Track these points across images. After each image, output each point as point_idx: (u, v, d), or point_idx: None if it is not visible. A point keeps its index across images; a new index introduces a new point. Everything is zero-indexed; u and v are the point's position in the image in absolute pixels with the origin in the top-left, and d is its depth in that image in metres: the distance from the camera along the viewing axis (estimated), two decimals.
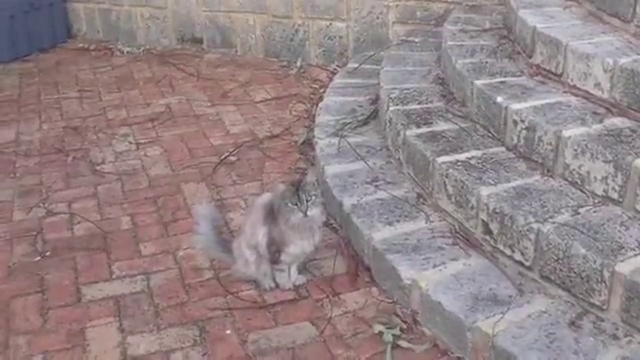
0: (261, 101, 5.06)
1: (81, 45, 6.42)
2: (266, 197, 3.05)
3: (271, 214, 2.92)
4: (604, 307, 2.49)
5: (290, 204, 2.83)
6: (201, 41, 6.17)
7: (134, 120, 4.77)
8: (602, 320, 2.50)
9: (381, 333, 2.72)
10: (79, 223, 3.54)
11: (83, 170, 4.10)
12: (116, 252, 3.30)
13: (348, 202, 3.32)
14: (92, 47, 6.35)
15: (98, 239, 3.41)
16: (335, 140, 3.92)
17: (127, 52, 6.20)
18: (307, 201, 2.83)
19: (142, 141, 4.45)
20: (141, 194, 3.81)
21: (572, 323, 2.50)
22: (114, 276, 3.13)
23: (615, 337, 2.43)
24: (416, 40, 4.97)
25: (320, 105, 4.50)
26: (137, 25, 6.35)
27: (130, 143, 4.42)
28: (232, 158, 4.18)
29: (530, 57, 3.72)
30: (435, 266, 2.84)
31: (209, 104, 5.02)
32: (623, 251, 2.50)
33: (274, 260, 2.96)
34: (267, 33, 5.91)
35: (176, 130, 4.60)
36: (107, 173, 4.04)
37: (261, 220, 2.94)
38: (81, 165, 4.16)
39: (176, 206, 3.68)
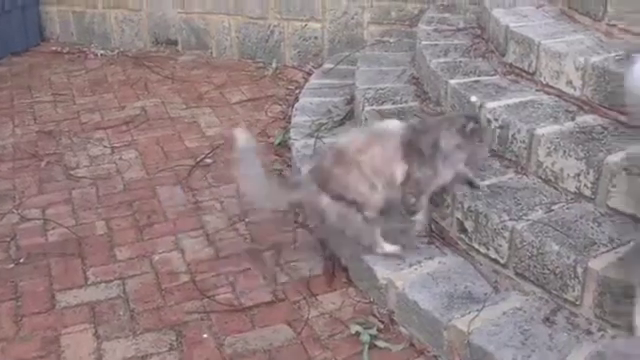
0: (237, 103, 5.05)
1: (54, 48, 6.36)
2: (394, 128, 2.86)
3: (414, 150, 2.76)
4: (578, 303, 2.51)
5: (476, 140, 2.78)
6: (176, 43, 6.14)
7: (109, 124, 4.73)
8: (576, 316, 2.52)
9: (358, 333, 2.72)
10: (53, 229, 3.51)
11: (57, 175, 4.06)
12: (91, 257, 3.28)
13: (324, 202, 3.31)
14: (66, 50, 6.29)
15: (73, 245, 3.38)
16: (311, 141, 3.92)
17: (101, 55, 6.15)
18: None
19: (117, 145, 4.42)
20: (116, 198, 3.79)
21: (546, 319, 2.52)
22: (89, 282, 3.10)
23: (589, 332, 2.45)
24: (391, 40, 4.99)
25: (296, 106, 4.50)
26: (111, 28, 6.30)
27: (105, 147, 4.39)
28: (208, 160, 4.17)
29: (503, 56, 3.74)
30: (411, 265, 2.84)
31: (184, 106, 5.00)
32: (596, 247, 2.53)
33: (411, 205, 2.84)
34: (242, 34, 5.89)
35: (151, 133, 4.58)
36: (81, 177, 4.01)
37: (399, 156, 2.76)
38: (55, 170, 4.12)
39: (151, 210, 3.66)
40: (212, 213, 3.62)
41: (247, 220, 3.52)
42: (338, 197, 2.81)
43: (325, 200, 2.84)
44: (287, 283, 3.05)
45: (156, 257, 3.28)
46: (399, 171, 2.77)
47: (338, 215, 2.84)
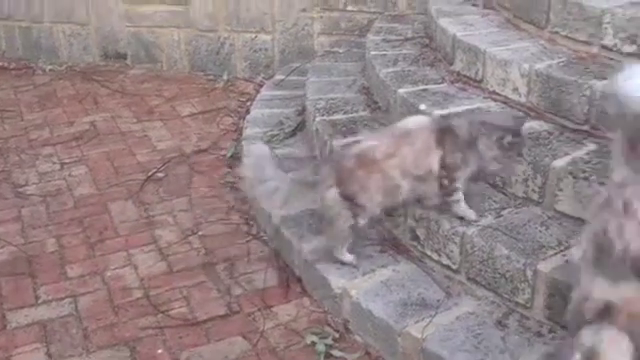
0: (188, 116, 5.02)
1: (0, 64, 6.25)
2: (419, 124, 2.86)
3: (445, 137, 2.76)
4: (528, 305, 2.56)
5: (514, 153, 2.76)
6: (125, 57, 6.08)
7: (58, 139, 4.67)
8: (527, 318, 2.57)
9: (314, 343, 2.73)
10: (2, 247, 3.44)
11: (5, 192, 3.99)
12: (42, 276, 3.22)
13: (277, 214, 3.32)
14: (12, 66, 6.18)
15: (23, 263, 3.32)
16: None
17: (49, 70, 6.06)
18: None
19: (67, 161, 4.36)
20: (66, 215, 3.73)
21: (499, 323, 2.56)
22: (40, 300, 3.06)
23: (539, 334, 2.49)
24: (341, 51, 5.02)
25: (247, 118, 4.50)
26: (59, 42, 6.22)
27: (54, 163, 4.33)
28: (159, 174, 4.14)
29: (451, 64, 3.80)
30: (365, 274, 2.86)
31: (135, 120, 4.96)
32: (544, 250, 2.58)
33: (447, 189, 2.79)
34: (192, 47, 5.87)
35: (101, 148, 4.53)
36: (31, 195, 3.94)
37: (433, 145, 2.75)
38: (3, 187, 4.05)
39: (103, 226, 3.62)
40: (165, 227, 3.60)
41: (200, 233, 3.51)
42: (348, 197, 2.79)
43: (332, 193, 2.80)
44: (241, 295, 3.05)
45: (108, 273, 3.24)
46: (435, 159, 2.76)
47: (335, 213, 2.83)
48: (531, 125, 3.09)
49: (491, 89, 3.44)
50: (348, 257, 2.92)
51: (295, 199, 2.91)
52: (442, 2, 4.49)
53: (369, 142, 2.83)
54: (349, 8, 5.41)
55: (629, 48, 3.20)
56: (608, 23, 3.27)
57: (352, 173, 2.78)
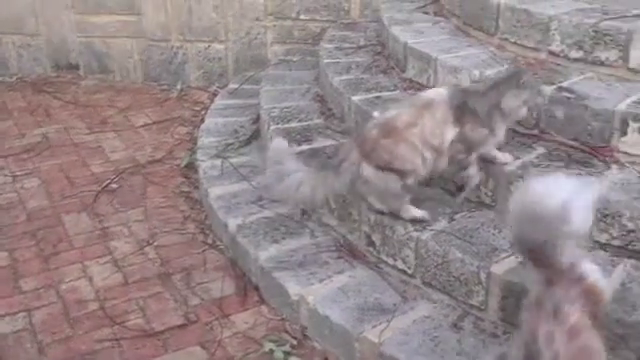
0: (142, 126, 4.99)
1: None
2: (439, 96, 2.85)
3: (466, 112, 2.79)
4: (483, 307, 2.60)
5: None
6: (77, 67, 6.02)
7: (9, 152, 4.59)
8: (482, 320, 2.61)
9: (272, 351, 2.73)
10: None
11: None
12: None
13: (233, 223, 3.32)
14: None
15: None
16: (218, 162, 3.92)
17: None
18: None
19: (18, 173, 4.30)
20: (19, 228, 3.68)
21: (454, 325, 2.59)
22: None
23: (494, 335, 2.53)
24: (294, 59, 5.05)
25: (202, 127, 4.50)
26: (9, 53, 6.12)
27: (5, 176, 4.26)
28: (114, 185, 4.10)
29: (403, 72, 3.85)
30: (321, 280, 2.88)
31: (88, 131, 4.91)
32: (497, 253, 2.62)
33: (461, 160, 2.85)
34: (145, 57, 5.83)
35: (54, 160, 4.47)
36: None
37: (450, 120, 2.78)
38: None
39: (57, 238, 3.57)
40: (120, 238, 3.57)
41: (156, 244, 3.49)
42: (382, 167, 2.78)
43: (367, 169, 2.78)
44: (199, 305, 3.04)
45: (63, 286, 3.20)
46: (449, 135, 2.79)
47: (379, 182, 2.80)
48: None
49: None
50: (418, 212, 2.87)
51: (321, 187, 2.82)
52: (394, 10, 4.56)
53: (390, 113, 2.85)
54: (302, 17, 5.44)
55: (576, 54, 3.29)
56: (555, 29, 3.35)
57: (376, 143, 2.77)
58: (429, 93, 2.95)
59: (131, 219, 3.74)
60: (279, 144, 2.90)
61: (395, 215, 2.87)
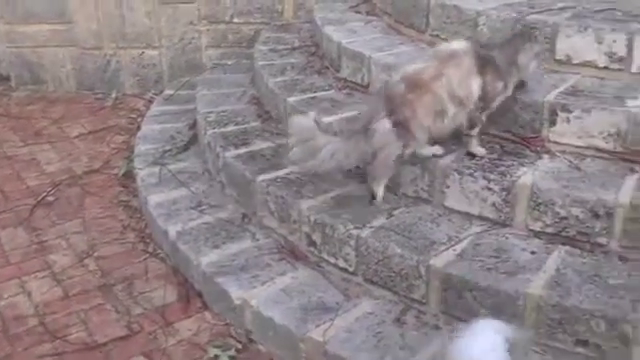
0: (77, 136, 4.90)
1: None
2: (462, 47, 2.87)
3: (488, 64, 2.83)
4: (424, 301, 2.63)
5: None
6: (8, 79, 5.88)
7: None
8: (424, 313, 2.64)
9: (217, 356, 2.72)
10: None
11: None
12: None
13: (173, 230, 3.29)
14: None
15: None
16: (156, 169, 3.88)
17: None
18: None
19: None
20: None
21: (397, 320, 2.62)
22: None
23: (437, 327, 2.57)
24: (229, 62, 5.04)
25: (139, 135, 4.44)
26: None
27: None
28: (50, 198, 4.02)
29: (338, 71, 3.87)
30: (264, 283, 2.87)
31: (21, 144, 4.80)
32: (436, 246, 2.66)
33: (475, 118, 2.88)
34: (78, 66, 5.74)
35: None
36: None
37: (475, 71, 2.80)
38: None
39: None
40: (58, 251, 3.50)
41: (96, 255, 3.43)
42: (400, 124, 2.76)
43: (384, 123, 2.75)
44: (141, 314, 3.00)
45: (1, 303, 3.12)
46: (475, 85, 2.82)
47: (388, 144, 2.78)
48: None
49: None
50: (381, 192, 2.93)
51: (353, 152, 2.79)
52: (327, 10, 4.58)
53: (414, 67, 2.85)
54: (235, 20, 5.43)
55: None
56: (484, 24, 3.41)
57: (404, 98, 2.75)
58: (451, 44, 2.96)
59: (69, 231, 3.67)
60: (302, 121, 2.85)
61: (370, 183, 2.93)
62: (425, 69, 2.81)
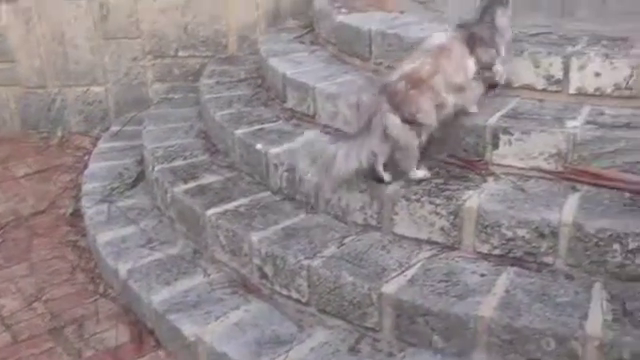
0: (23, 176, 4.83)
1: None
2: (446, 36, 3.06)
3: (475, 41, 3.03)
4: (378, 328, 2.64)
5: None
6: None
7: None
8: (378, 341, 2.65)
9: None
10: None
11: None
12: None
13: (124, 268, 3.26)
14: None
15: None
16: (104, 207, 3.83)
17: None
18: None
19: None
20: None
21: (352, 349, 2.62)
22: None
23: (391, 354, 2.58)
24: (176, 96, 5.02)
25: (85, 173, 4.40)
26: None
27: None
28: None
29: (284, 102, 3.89)
30: (217, 318, 2.85)
31: None
32: (387, 273, 2.68)
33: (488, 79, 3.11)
34: (22, 105, 5.65)
35: None
36: None
37: (467, 52, 3.01)
38: None
39: None
40: (6, 295, 3.42)
41: (45, 298, 3.37)
42: (408, 119, 2.86)
43: (392, 119, 2.85)
44: (93, 356, 2.95)
45: None
46: (471, 64, 3.02)
47: (403, 136, 2.88)
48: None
49: (323, 123, 3.55)
50: (421, 173, 2.99)
51: (363, 150, 2.83)
52: (271, 42, 4.61)
53: (410, 65, 2.95)
54: (180, 54, 5.43)
55: None
56: None
57: (406, 95, 2.86)
58: (434, 39, 3.08)
59: (17, 274, 3.60)
60: (312, 139, 3.03)
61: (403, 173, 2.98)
62: (422, 66, 2.93)
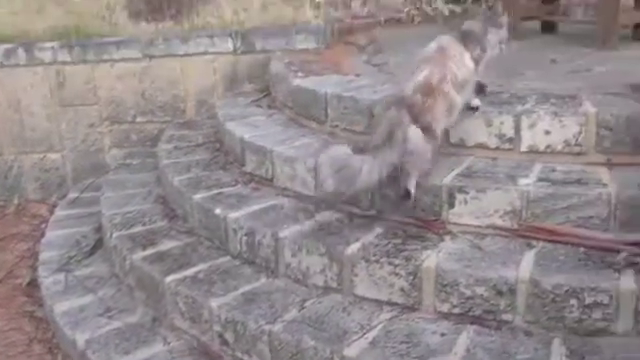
0: None
1: None
2: (446, 39, 3.21)
3: (468, 41, 3.22)
4: None
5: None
6: None
7: None
8: None
9: None
10: None
11: None
12: None
13: (82, 338, 3.20)
14: None
15: None
16: (61, 276, 3.78)
17: None
18: None
19: None
20: None
21: None
22: None
23: None
24: (134, 162, 5.01)
25: (42, 241, 4.34)
26: None
27: None
28: None
29: (243, 166, 3.91)
30: None
31: None
32: (348, 336, 2.67)
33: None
34: None
35: None
36: None
37: (464, 51, 3.18)
38: None
39: None
40: None
41: None
42: (426, 129, 2.99)
43: (417, 133, 2.97)
44: None
45: None
46: (468, 60, 3.19)
47: (424, 145, 2.99)
48: (322, 216, 3.24)
49: (282, 186, 3.57)
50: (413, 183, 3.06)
51: (385, 165, 2.93)
52: (229, 106, 4.65)
53: (422, 73, 3.06)
54: (138, 119, 5.44)
55: None
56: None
57: (423, 104, 2.99)
58: (434, 45, 3.21)
59: None
60: (334, 153, 2.98)
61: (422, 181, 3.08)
62: (431, 75, 3.06)
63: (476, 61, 3.24)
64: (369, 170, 2.89)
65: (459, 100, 3.12)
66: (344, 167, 2.89)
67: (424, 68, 3.09)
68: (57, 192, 5.49)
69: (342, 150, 2.97)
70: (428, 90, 3.02)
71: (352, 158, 2.92)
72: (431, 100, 3.01)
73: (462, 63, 3.16)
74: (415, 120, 2.98)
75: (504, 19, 3.41)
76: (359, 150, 3.00)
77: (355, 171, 2.88)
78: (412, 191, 3.04)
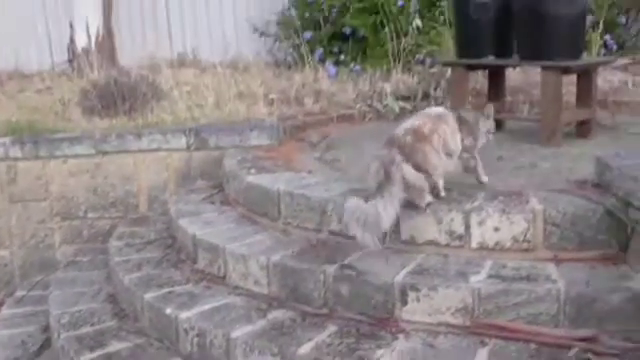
0: None
1: None
2: (444, 111, 3.55)
3: (462, 125, 3.52)
4: None
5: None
6: None
7: None
8: None
9: None
10: None
11: None
12: None
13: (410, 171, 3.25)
14: None
15: None
16: None
17: None
18: None
19: None
20: None
21: None
22: None
23: None
24: (85, 259, 4.91)
25: None
26: None
27: None
28: None
29: (195, 263, 3.88)
30: None
31: None
32: None
33: (468, 160, 3.61)
34: None
35: None
36: None
37: (456, 128, 3.48)
38: None
39: None
40: None
41: None
42: (416, 167, 3.25)
43: (410, 169, 3.23)
44: None
45: None
46: (458, 140, 3.48)
47: (417, 180, 3.26)
48: (275, 315, 3.22)
49: (235, 284, 3.55)
50: (429, 197, 3.35)
51: (394, 198, 3.18)
52: (181, 202, 4.64)
53: (415, 122, 3.40)
54: (90, 215, 5.39)
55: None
56: (332, 210, 3.56)
57: (413, 146, 3.27)
58: (433, 110, 3.60)
59: None
60: (354, 205, 3.17)
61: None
62: (424, 124, 3.37)
63: (467, 148, 3.55)
64: (384, 207, 3.13)
65: (444, 161, 3.39)
66: (365, 217, 3.11)
67: (418, 119, 3.42)
68: (4, 290, 5.36)
69: (355, 202, 3.17)
70: (419, 136, 3.31)
71: (365, 207, 3.13)
72: (421, 145, 3.28)
73: (453, 137, 3.45)
74: (408, 158, 3.24)
75: (490, 109, 3.69)
76: (366, 198, 3.20)
77: (376, 215, 3.10)
78: (430, 200, 3.35)
